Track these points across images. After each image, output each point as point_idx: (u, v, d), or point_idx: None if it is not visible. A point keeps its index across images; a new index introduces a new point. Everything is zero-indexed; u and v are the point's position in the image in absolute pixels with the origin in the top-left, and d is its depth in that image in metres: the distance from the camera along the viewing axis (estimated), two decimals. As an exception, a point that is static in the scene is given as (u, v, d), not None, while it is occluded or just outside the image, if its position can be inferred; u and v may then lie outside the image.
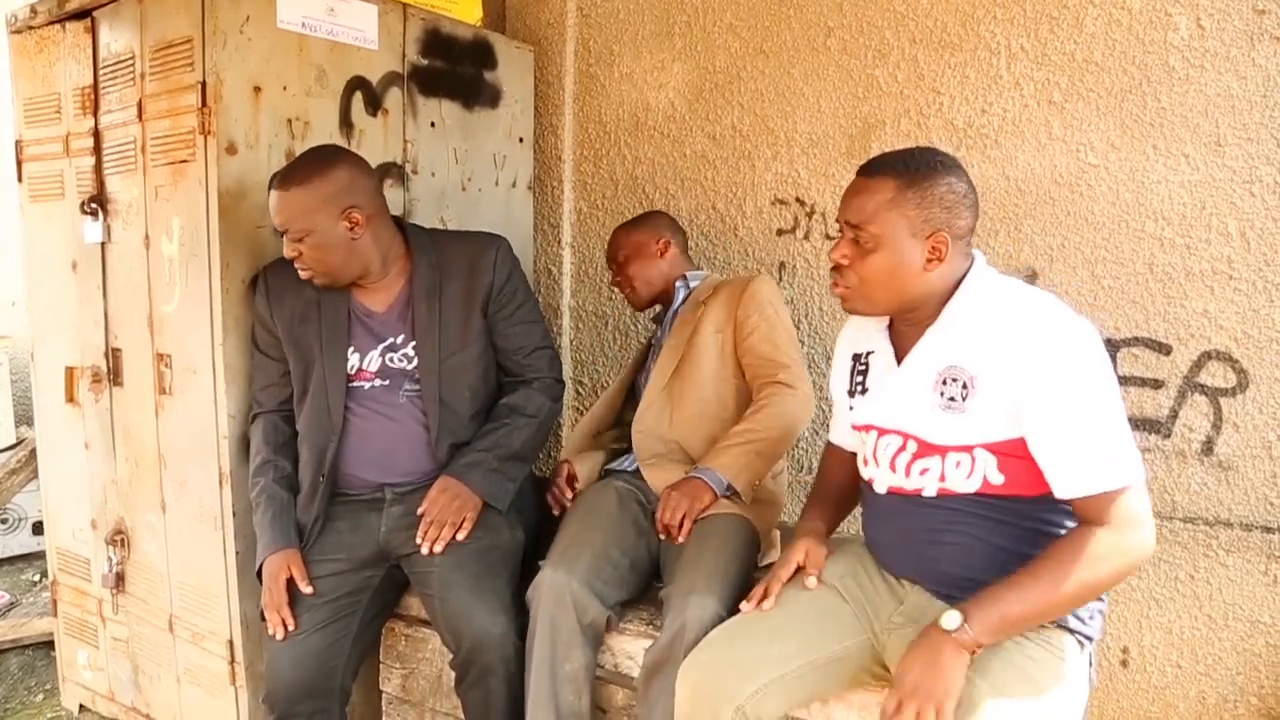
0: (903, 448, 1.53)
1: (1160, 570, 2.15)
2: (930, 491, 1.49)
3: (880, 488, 1.58)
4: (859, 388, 1.64)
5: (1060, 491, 1.36)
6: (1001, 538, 1.46)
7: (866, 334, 1.64)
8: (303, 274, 1.90)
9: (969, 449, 1.44)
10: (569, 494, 2.13)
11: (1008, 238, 2.24)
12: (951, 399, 1.44)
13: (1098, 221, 2.14)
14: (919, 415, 1.49)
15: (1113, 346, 2.14)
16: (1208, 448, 2.08)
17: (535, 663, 1.78)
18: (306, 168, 1.86)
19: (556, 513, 2.12)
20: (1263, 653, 2.06)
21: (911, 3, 2.30)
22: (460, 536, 1.90)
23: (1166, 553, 2.14)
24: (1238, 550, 2.06)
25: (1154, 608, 2.17)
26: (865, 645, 1.56)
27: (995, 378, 1.39)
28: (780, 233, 2.58)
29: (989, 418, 1.41)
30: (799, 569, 1.65)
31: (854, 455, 1.74)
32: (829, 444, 1.84)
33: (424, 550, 1.89)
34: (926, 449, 1.49)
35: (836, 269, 1.52)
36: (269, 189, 1.86)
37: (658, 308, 2.36)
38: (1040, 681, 1.37)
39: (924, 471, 1.50)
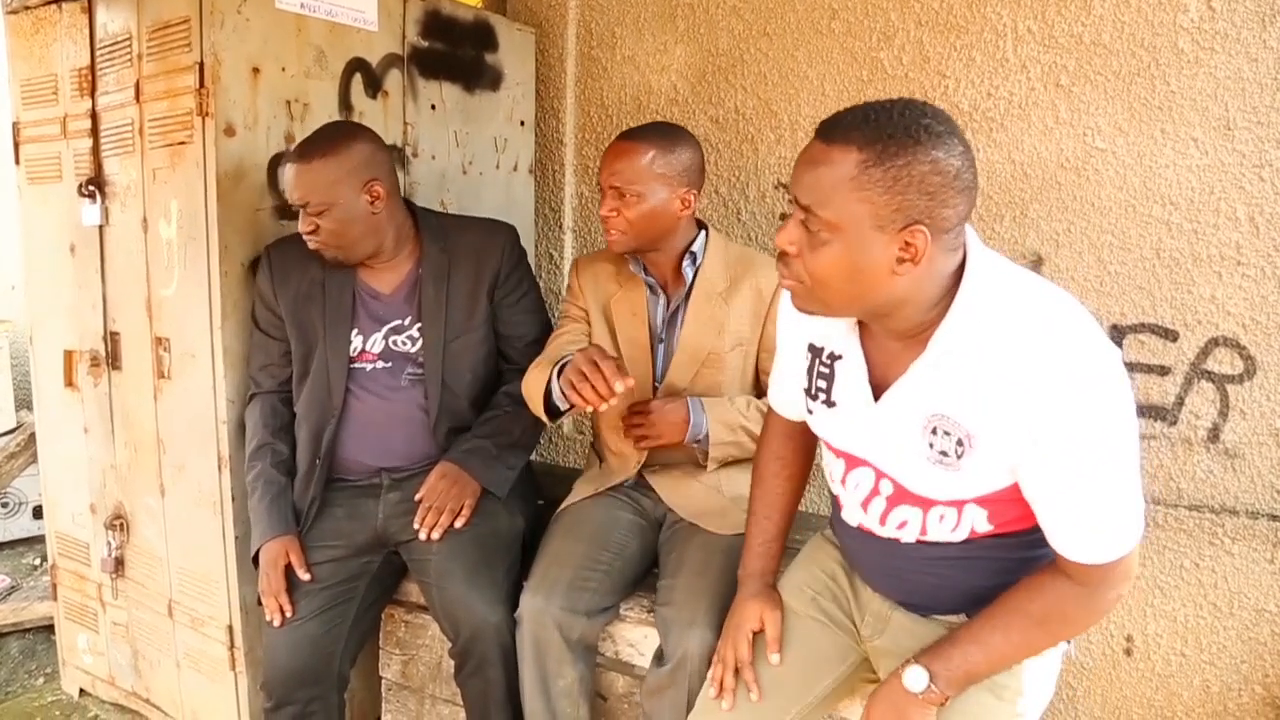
0: (875, 490, 1.32)
1: (1165, 558, 2.14)
2: (908, 539, 1.33)
3: (849, 518, 1.40)
4: (821, 395, 1.36)
5: (1055, 546, 1.19)
6: (982, 576, 1.31)
7: (830, 323, 1.32)
8: (314, 246, 1.87)
9: (958, 504, 1.25)
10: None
11: (1013, 222, 2.22)
12: (944, 453, 1.19)
13: (1105, 206, 2.12)
14: (899, 457, 1.26)
15: (1119, 333, 2.12)
16: (1214, 435, 2.06)
17: (527, 685, 1.76)
18: (328, 140, 1.84)
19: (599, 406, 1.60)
20: (1268, 641, 2.05)
21: (917, -16, 2.28)
22: (459, 524, 1.89)
23: (1171, 540, 2.12)
24: (1243, 538, 2.05)
25: (1158, 595, 2.16)
26: (855, 661, 1.51)
27: (996, 435, 1.15)
28: (783, 217, 2.56)
29: (986, 475, 1.19)
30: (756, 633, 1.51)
31: (802, 427, 1.52)
32: (771, 414, 1.60)
33: (421, 536, 1.87)
34: (906, 496, 1.29)
35: (783, 257, 1.20)
36: (285, 163, 1.85)
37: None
38: (1006, 688, 1.33)
39: (902, 524, 1.31)
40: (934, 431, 1.20)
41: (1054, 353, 1.09)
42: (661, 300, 1.96)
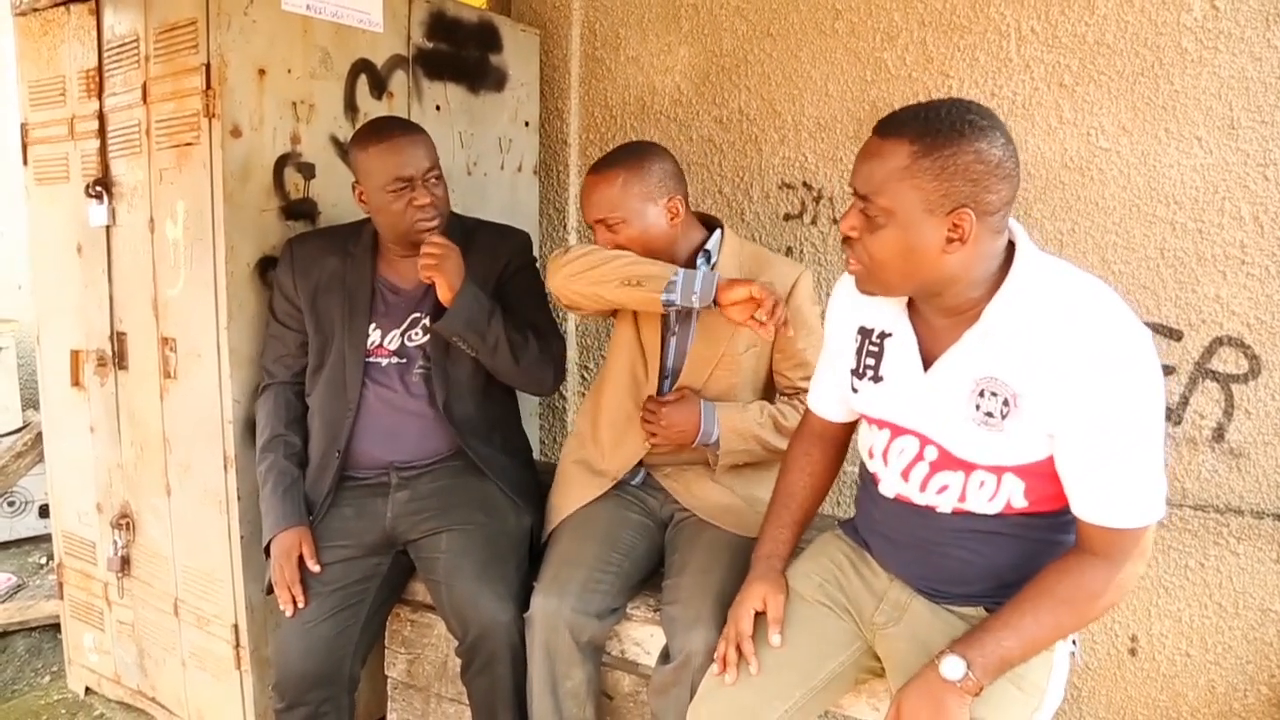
0: (919, 455, 1.39)
1: (1170, 558, 2.14)
2: (944, 509, 1.39)
3: (887, 490, 1.46)
4: (870, 372, 1.45)
5: (1079, 512, 1.27)
6: (1011, 555, 1.37)
7: (879, 306, 1.44)
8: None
9: (998, 471, 1.32)
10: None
11: (1018, 222, 2.22)
12: (989, 414, 1.28)
13: (1109, 206, 2.12)
14: (946, 422, 1.34)
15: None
16: (1219, 434, 2.06)
17: (535, 685, 1.77)
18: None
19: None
20: (1274, 641, 2.05)
21: (921, -16, 2.28)
22: (420, 264, 1.84)
23: (1176, 540, 2.12)
24: (1249, 538, 2.05)
25: (1163, 595, 2.16)
26: (859, 649, 1.52)
27: (1039, 396, 1.24)
28: (787, 217, 2.56)
29: (1027, 439, 1.27)
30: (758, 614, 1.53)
31: (836, 429, 1.63)
32: (807, 414, 1.68)
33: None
34: (949, 461, 1.36)
35: (847, 241, 1.34)
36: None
37: None
38: (1028, 680, 1.35)
39: (942, 489, 1.38)
40: (981, 394, 1.29)
41: (1098, 326, 1.21)
42: None
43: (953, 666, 1.28)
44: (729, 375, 1.93)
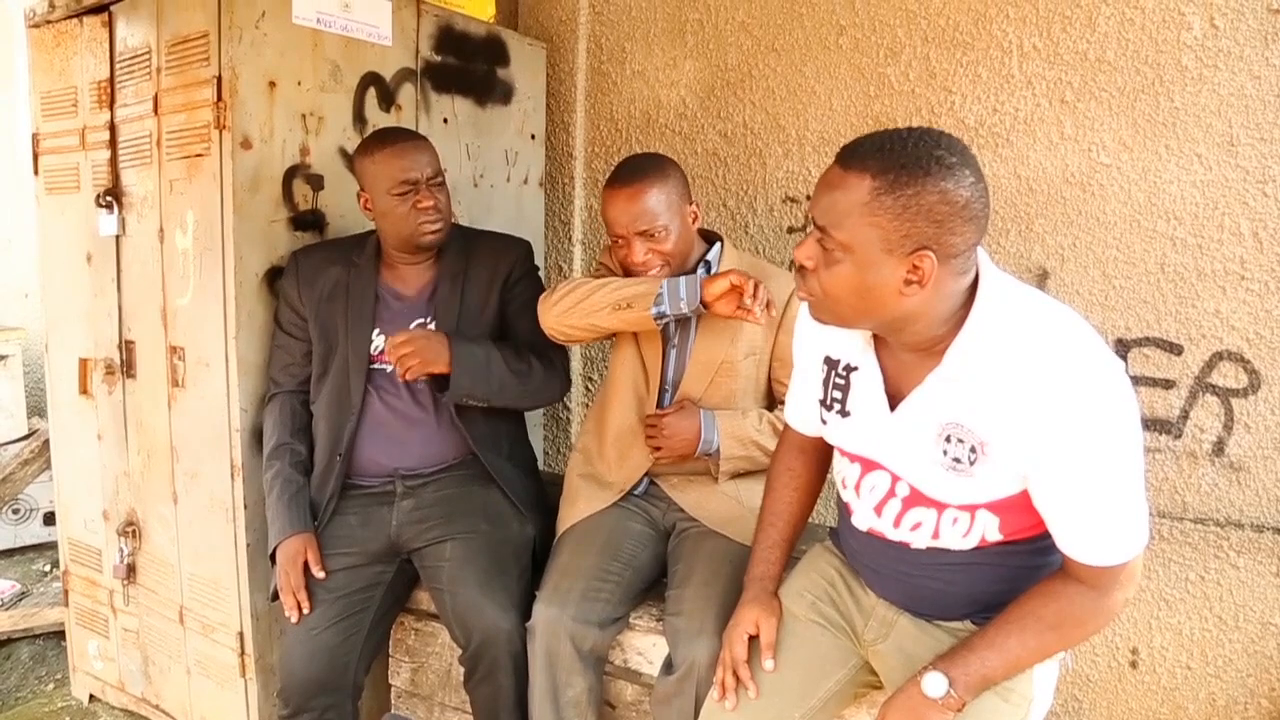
0: (891, 492, 1.36)
1: (1170, 571, 2.15)
2: (919, 545, 1.37)
3: (860, 523, 1.44)
4: (837, 405, 1.41)
5: (1062, 547, 1.24)
6: (991, 582, 1.36)
7: (845, 338, 1.39)
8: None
9: (971, 509, 1.30)
10: None
11: (1019, 237, 2.24)
12: (957, 460, 1.25)
13: (1109, 221, 2.14)
14: (916, 463, 1.31)
15: (1124, 346, 2.14)
16: (1219, 448, 2.07)
17: (537, 694, 1.77)
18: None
19: None
20: (1274, 655, 2.06)
21: (924, 1, 2.30)
22: (400, 370, 1.88)
23: (1177, 554, 2.13)
24: (1249, 551, 2.06)
25: (1164, 609, 2.17)
26: (856, 664, 1.52)
27: (1009, 444, 1.20)
28: (791, 230, 2.58)
29: (998, 482, 1.25)
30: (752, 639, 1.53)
31: (816, 442, 1.59)
32: (786, 429, 1.66)
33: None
34: (921, 499, 1.33)
35: (800, 270, 1.28)
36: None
37: None
38: (1014, 690, 1.35)
39: (915, 526, 1.35)
40: (948, 439, 1.25)
41: (1063, 366, 1.15)
42: None
43: (935, 684, 1.28)
44: (729, 381, 1.94)
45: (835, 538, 1.63)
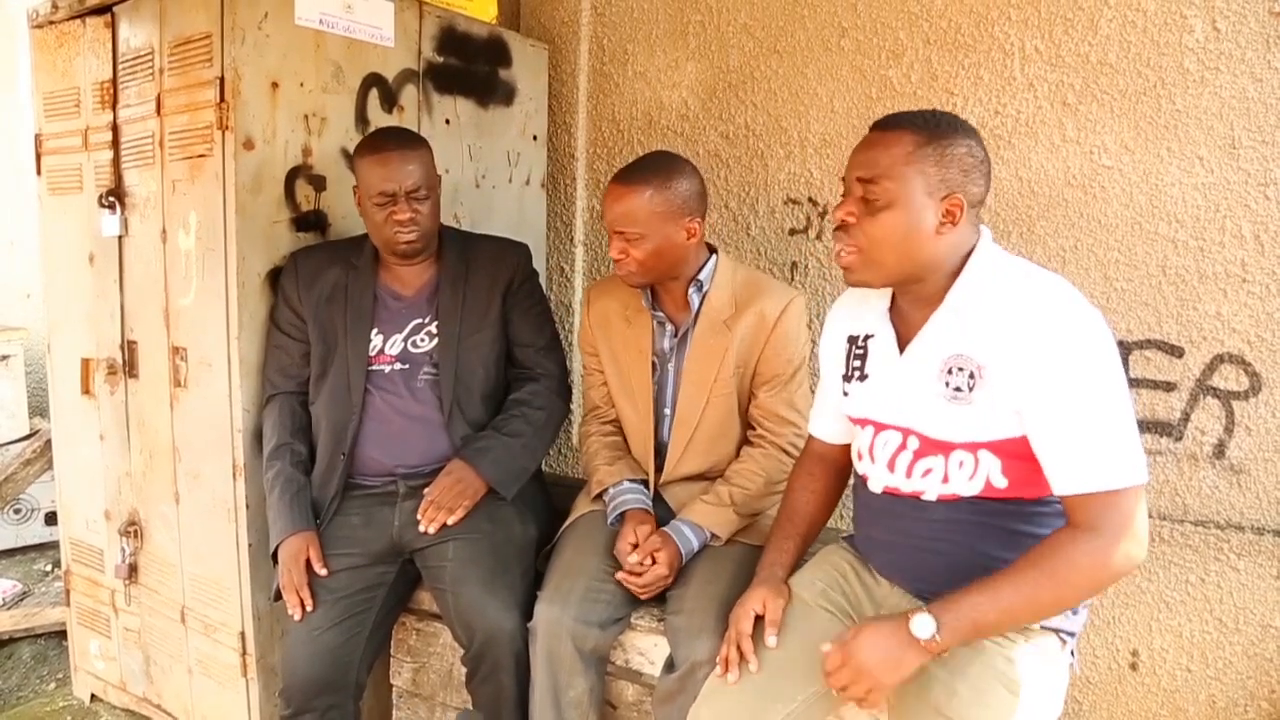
0: (903, 445, 1.47)
1: (1171, 573, 2.15)
2: (931, 495, 1.44)
3: (875, 486, 1.52)
4: (856, 373, 1.55)
5: (1058, 487, 1.31)
6: (998, 546, 1.41)
7: (864, 315, 1.56)
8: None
9: (973, 448, 1.39)
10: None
11: (1020, 239, 2.24)
12: (958, 389, 1.38)
13: (1111, 223, 2.14)
14: (922, 408, 1.43)
15: (1125, 349, 2.14)
16: (1219, 451, 2.07)
17: (538, 694, 1.78)
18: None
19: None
20: (1274, 657, 2.06)
21: (926, 4, 2.31)
22: (451, 521, 1.91)
23: (1177, 556, 2.13)
24: (1249, 554, 2.06)
25: (1164, 611, 2.17)
26: None
27: (1002, 368, 1.33)
28: (793, 232, 2.58)
29: (995, 412, 1.35)
30: (758, 619, 1.56)
31: (836, 452, 1.70)
32: (810, 439, 1.76)
33: (421, 529, 1.92)
34: (929, 446, 1.43)
35: (842, 228, 1.42)
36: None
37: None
38: (1020, 684, 1.35)
39: (926, 472, 1.44)
40: (950, 371, 1.39)
41: (1050, 301, 1.32)
42: (669, 328, 1.98)
43: (923, 625, 1.30)
44: (724, 400, 1.95)
45: (849, 540, 1.67)
